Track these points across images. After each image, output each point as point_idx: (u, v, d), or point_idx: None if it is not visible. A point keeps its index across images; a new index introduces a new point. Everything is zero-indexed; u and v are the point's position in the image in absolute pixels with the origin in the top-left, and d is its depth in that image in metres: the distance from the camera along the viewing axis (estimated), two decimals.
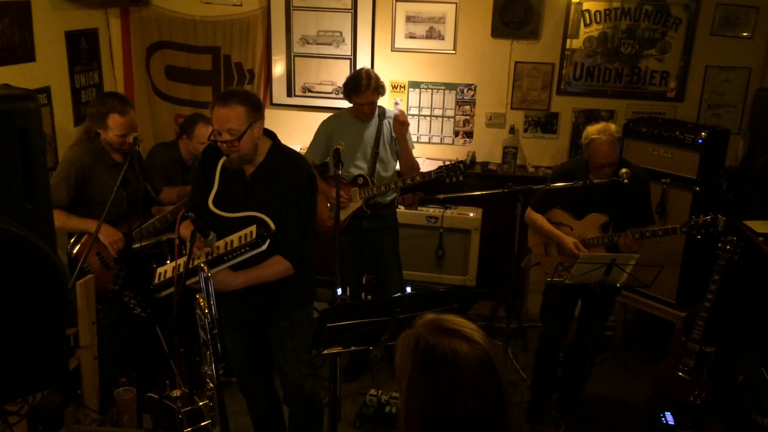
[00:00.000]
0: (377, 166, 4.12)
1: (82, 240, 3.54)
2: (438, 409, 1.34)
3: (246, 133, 2.73)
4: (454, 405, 1.34)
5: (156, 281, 2.77)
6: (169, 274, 2.72)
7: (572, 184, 3.62)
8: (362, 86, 3.91)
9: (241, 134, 2.72)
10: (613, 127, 3.56)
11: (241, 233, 2.68)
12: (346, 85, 4.01)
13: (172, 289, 2.67)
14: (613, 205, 3.69)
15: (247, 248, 2.61)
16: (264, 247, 2.61)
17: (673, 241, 4.17)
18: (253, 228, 2.64)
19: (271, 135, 2.94)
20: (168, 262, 2.87)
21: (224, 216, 2.81)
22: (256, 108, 2.78)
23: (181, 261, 2.65)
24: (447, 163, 4.07)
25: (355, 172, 4.09)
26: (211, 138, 2.79)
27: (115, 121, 3.49)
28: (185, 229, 2.75)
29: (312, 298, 3.18)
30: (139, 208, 3.58)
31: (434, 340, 1.38)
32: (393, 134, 4.13)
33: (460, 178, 3.92)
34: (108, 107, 3.49)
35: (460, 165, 3.92)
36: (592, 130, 3.57)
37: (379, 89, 3.97)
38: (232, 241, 2.67)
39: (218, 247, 2.68)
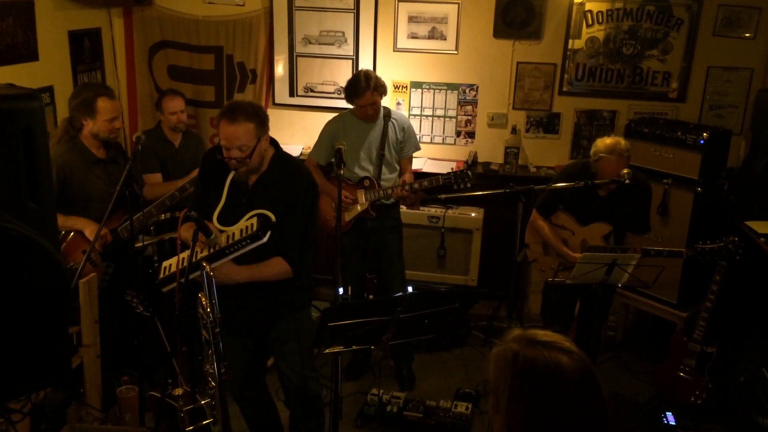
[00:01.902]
0: (383, 167, 4.12)
1: (68, 239, 3.53)
2: (545, 423, 1.33)
3: (255, 148, 2.76)
4: (561, 417, 1.32)
5: (161, 275, 2.78)
6: (174, 269, 2.73)
7: (573, 185, 3.63)
8: (361, 88, 3.90)
9: (251, 151, 2.75)
10: (623, 143, 3.54)
11: (243, 226, 2.69)
12: (346, 89, 4.01)
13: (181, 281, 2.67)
14: (616, 213, 3.69)
15: (248, 240, 2.62)
16: (265, 239, 2.63)
17: (674, 240, 4.18)
18: (254, 221, 2.66)
19: (273, 143, 2.96)
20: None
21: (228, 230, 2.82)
22: (263, 122, 2.80)
23: (184, 255, 2.67)
24: (451, 167, 4.06)
25: (360, 173, 4.09)
26: (219, 155, 2.80)
27: (104, 105, 3.51)
28: (186, 231, 2.75)
29: (310, 301, 3.20)
30: (127, 204, 3.57)
31: (533, 353, 1.37)
32: (398, 136, 4.13)
33: (468, 185, 3.92)
34: (95, 92, 3.51)
35: (468, 172, 3.91)
36: (602, 146, 3.55)
37: (379, 89, 3.95)
38: (233, 234, 2.69)
39: (220, 242, 2.69)
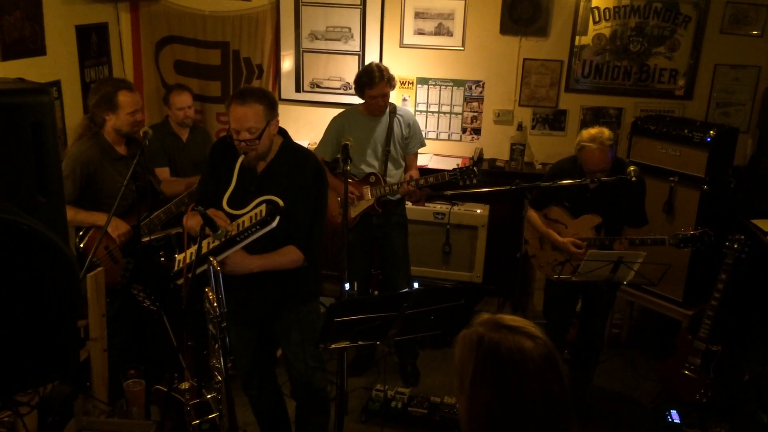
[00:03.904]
0: (388, 164, 4.12)
1: (90, 233, 3.55)
2: (505, 407, 1.34)
3: (264, 131, 2.77)
4: (521, 401, 1.34)
5: (176, 268, 2.79)
6: (188, 261, 2.74)
7: (580, 182, 3.63)
8: (376, 78, 3.92)
9: (260, 133, 2.76)
10: (606, 133, 3.57)
11: (252, 213, 2.70)
12: (358, 79, 4.01)
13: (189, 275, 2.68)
14: (609, 206, 3.69)
15: (258, 227, 2.62)
16: (274, 224, 2.63)
17: None
18: (263, 207, 2.66)
19: (282, 132, 2.97)
20: (177, 254, 2.89)
21: (238, 214, 2.82)
22: (273, 106, 2.82)
23: (192, 250, 2.67)
24: (457, 163, 4.07)
25: (366, 169, 4.09)
26: (230, 139, 2.82)
27: (125, 98, 3.51)
28: (191, 220, 2.76)
29: (318, 293, 3.21)
30: (147, 200, 3.60)
31: (498, 337, 1.38)
32: (403, 132, 4.14)
33: (474, 181, 3.94)
34: (114, 86, 3.52)
35: (474, 168, 3.93)
36: (586, 135, 3.59)
37: (391, 81, 3.99)
38: (243, 222, 2.70)
39: (230, 230, 2.70)
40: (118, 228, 3.51)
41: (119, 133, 3.58)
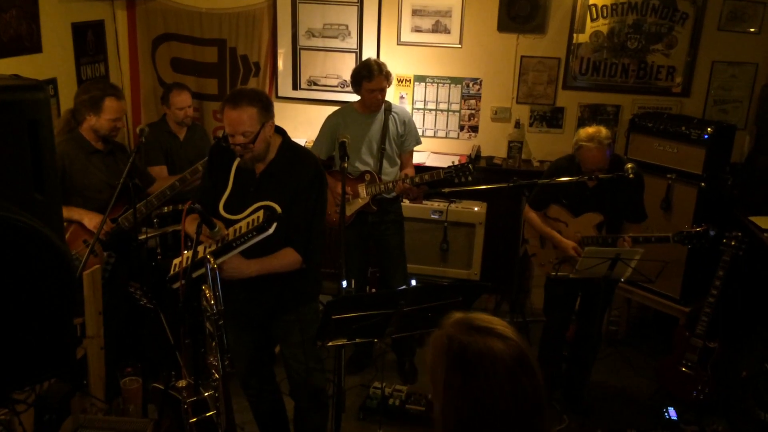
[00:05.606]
0: (383, 161, 4.11)
1: (69, 230, 3.54)
2: (475, 409, 1.33)
3: (259, 133, 2.74)
4: (491, 403, 1.33)
5: (171, 272, 2.78)
6: (185, 265, 2.73)
7: (578, 179, 3.63)
8: (374, 70, 3.92)
9: (254, 136, 2.74)
10: (604, 132, 3.56)
11: (249, 219, 2.70)
12: (357, 73, 3.99)
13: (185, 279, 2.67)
14: (608, 203, 3.69)
15: (254, 233, 2.62)
16: (270, 231, 2.62)
17: None
18: (260, 213, 2.66)
19: (280, 131, 2.95)
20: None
21: (235, 219, 2.81)
22: (267, 107, 2.78)
23: (189, 253, 2.67)
24: (453, 161, 4.06)
25: (361, 167, 4.08)
26: (225, 143, 2.81)
27: (111, 104, 3.54)
28: (190, 226, 2.75)
29: (318, 293, 3.20)
30: (126, 195, 3.57)
31: (467, 339, 1.37)
32: (399, 130, 4.13)
33: (469, 178, 3.93)
34: (103, 91, 3.55)
35: (469, 166, 3.92)
36: (583, 135, 3.58)
37: (388, 77, 3.99)
38: (240, 227, 2.69)
39: (227, 235, 2.69)
40: (93, 220, 3.50)
41: (96, 134, 3.60)
